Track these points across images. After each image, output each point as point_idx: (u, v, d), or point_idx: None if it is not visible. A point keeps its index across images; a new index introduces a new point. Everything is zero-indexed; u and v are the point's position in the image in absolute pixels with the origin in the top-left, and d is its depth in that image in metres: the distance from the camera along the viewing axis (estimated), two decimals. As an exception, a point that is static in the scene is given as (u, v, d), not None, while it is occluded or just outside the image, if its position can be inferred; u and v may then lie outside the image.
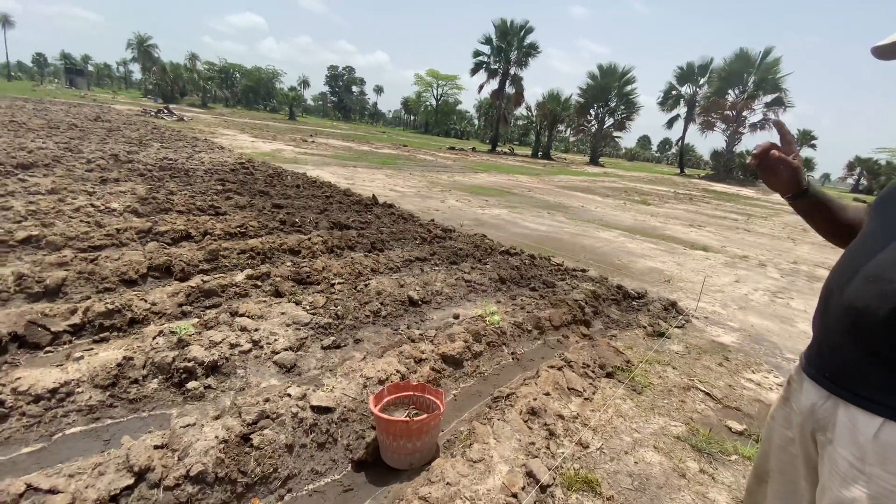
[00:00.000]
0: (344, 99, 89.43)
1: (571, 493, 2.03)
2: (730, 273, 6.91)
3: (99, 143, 10.96)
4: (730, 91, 42.09)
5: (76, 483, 1.64)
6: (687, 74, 45.01)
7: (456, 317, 3.90)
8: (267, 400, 2.15)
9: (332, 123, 60.83)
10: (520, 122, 61.41)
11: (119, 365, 2.34)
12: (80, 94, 44.43)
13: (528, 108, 48.53)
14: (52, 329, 2.71)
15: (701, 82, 44.88)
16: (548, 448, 2.27)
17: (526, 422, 2.40)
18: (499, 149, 46.22)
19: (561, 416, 2.53)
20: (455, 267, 5.10)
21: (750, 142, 45.40)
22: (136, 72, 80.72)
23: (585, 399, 2.79)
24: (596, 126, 46.06)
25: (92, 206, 5.27)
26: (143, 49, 66.09)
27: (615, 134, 47.16)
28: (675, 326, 4.25)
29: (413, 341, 3.14)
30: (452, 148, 38.99)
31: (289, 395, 2.23)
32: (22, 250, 3.94)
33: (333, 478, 2.04)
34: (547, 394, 2.67)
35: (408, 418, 2.03)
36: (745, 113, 41.53)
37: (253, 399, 2.16)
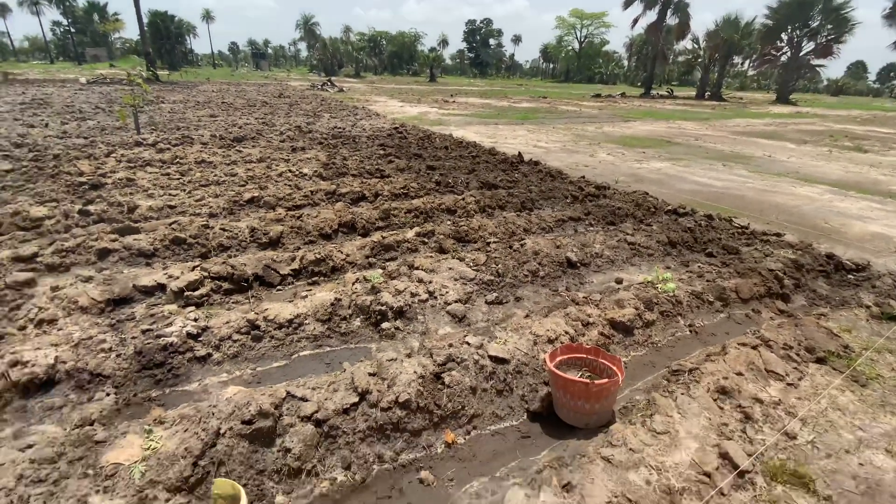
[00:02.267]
0: (480, 54, 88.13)
1: (776, 485, 1.82)
2: None
3: (285, 116, 12.91)
4: None
5: (317, 395, 2.06)
6: (945, -34, 32.36)
7: (619, 281, 3.70)
8: (451, 345, 2.37)
9: (469, 81, 60.95)
10: (681, 58, 52.70)
11: (332, 304, 2.83)
12: (264, 75, 52.56)
13: (695, 40, 41.06)
14: (280, 272, 3.39)
15: (968, -26, 31.90)
16: (744, 432, 2.05)
17: (715, 400, 2.20)
18: (654, 91, 40.66)
19: (758, 400, 2.25)
20: (613, 228, 4.79)
21: None
22: (303, 50, 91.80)
23: (789, 384, 2.42)
24: (789, 53, 36.75)
25: (290, 171, 6.30)
26: (308, 28, 74.43)
27: (815, 63, 37.03)
28: (918, 309, 3.34)
29: (577, 304, 3.09)
30: (598, 95, 35.63)
31: (468, 343, 2.42)
32: (248, 208, 4.94)
33: (511, 423, 2.19)
34: (739, 374, 2.39)
35: (588, 381, 2.03)
36: None
37: (439, 343, 2.40)
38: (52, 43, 69.92)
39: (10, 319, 2.73)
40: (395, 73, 71.96)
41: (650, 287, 3.26)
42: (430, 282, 3.24)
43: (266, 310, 2.76)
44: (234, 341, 2.63)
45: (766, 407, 2.23)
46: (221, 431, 1.81)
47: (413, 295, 3.07)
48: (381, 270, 3.40)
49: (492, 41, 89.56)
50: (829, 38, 34.71)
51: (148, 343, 2.48)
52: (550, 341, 2.60)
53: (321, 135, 9.67)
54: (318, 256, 3.49)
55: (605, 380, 2.06)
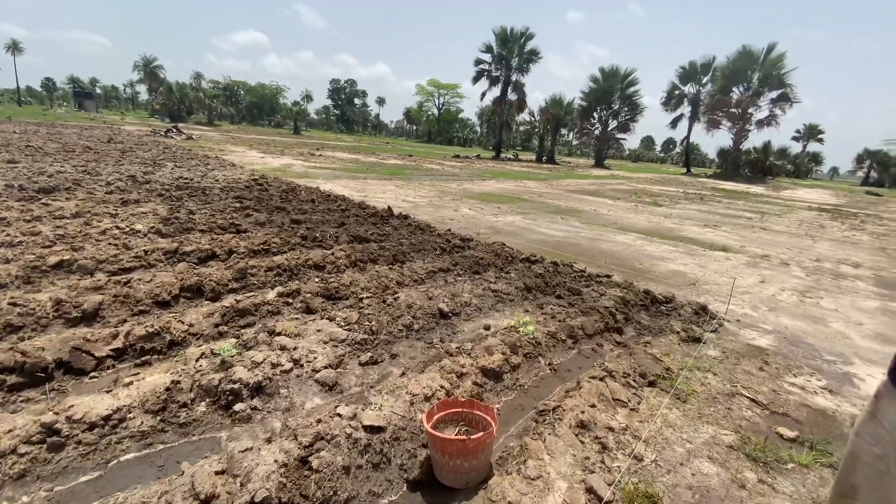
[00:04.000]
0: (347, 112, 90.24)
1: (634, 509, 1.98)
2: (753, 274, 6.82)
3: (115, 164, 11.13)
4: (734, 89, 41.91)
5: (142, 513, 1.63)
6: (690, 74, 44.94)
7: (487, 328, 3.87)
8: (319, 421, 2.14)
9: (336, 136, 61.39)
10: (522, 128, 61.68)
11: (168, 389, 2.34)
12: (90, 117, 45.24)
13: (531, 114, 48.79)
14: (96, 354, 2.73)
15: (704, 81, 44.79)
16: (603, 462, 2.23)
17: (577, 435, 2.36)
18: (503, 155, 46.36)
19: (611, 429, 2.49)
20: (479, 277, 5.08)
21: (757, 138, 45.13)
22: (143, 93, 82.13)
23: (631, 410, 2.74)
24: (600, 129, 46.07)
25: (117, 228, 5.33)
26: (149, 70, 67.21)
27: (619, 136, 47.12)
28: (710, 331, 4.19)
29: (451, 355, 3.12)
30: (457, 156, 39.14)
31: (339, 416, 2.21)
32: (55, 275, 3.98)
33: (391, 499, 2.02)
34: (593, 406, 2.63)
35: (465, 437, 2.00)
36: (750, 110, 41.36)
37: (305, 420, 2.14)
38: None
39: None
40: (255, 124, 68.86)
41: (513, 331, 3.48)
42: (295, 348, 2.95)
43: (72, 406, 2.15)
44: (21, 455, 1.97)
45: (617, 434, 2.47)
46: None
47: (274, 366, 2.73)
48: (234, 340, 2.98)
49: (357, 101, 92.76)
50: (626, 118, 44.62)
51: None
52: (427, 399, 2.54)
53: (162, 186, 8.52)
54: (151, 330, 2.91)
55: (481, 433, 2.06)
